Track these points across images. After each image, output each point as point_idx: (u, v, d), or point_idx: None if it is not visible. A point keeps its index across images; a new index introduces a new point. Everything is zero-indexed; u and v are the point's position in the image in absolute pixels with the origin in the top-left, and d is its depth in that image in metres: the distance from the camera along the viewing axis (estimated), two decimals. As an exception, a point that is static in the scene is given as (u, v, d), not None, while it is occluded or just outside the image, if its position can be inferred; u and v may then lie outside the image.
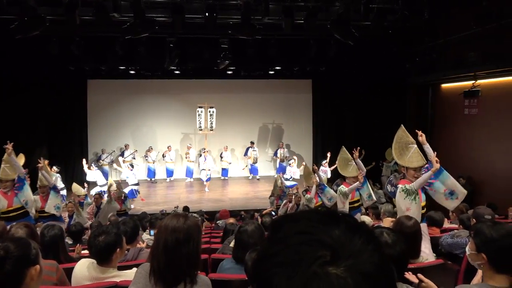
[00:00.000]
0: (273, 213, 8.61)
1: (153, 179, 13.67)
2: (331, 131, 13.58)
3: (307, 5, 8.22)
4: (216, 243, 4.48)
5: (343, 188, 6.39)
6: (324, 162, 11.58)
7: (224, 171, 13.99)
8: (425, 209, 4.66)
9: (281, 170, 13.51)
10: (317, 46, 10.34)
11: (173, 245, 1.70)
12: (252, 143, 13.75)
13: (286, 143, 14.06)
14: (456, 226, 4.82)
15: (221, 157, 13.81)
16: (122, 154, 13.29)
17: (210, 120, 12.85)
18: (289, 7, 8.22)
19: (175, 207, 9.36)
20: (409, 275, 2.08)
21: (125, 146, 13.39)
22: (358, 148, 6.38)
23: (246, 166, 13.83)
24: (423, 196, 4.58)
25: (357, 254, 0.55)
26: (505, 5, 8.00)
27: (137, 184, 11.41)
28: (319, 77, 13.27)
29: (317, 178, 7.28)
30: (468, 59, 9.18)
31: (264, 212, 8.74)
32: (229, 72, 12.58)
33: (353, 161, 6.24)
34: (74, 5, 7.37)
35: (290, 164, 12.47)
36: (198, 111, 12.79)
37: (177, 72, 12.27)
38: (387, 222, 4.70)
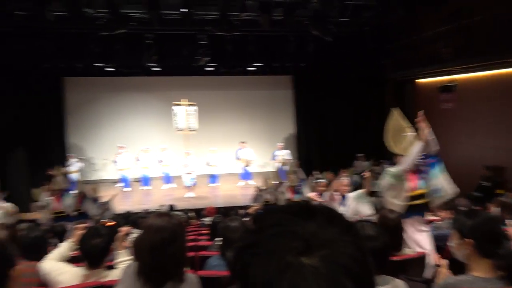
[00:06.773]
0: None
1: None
2: (313, 126, 13.32)
3: (285, 1, 8.23)
4: (203, 241, 4.47)
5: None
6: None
7: (212, 178, 12.28)
8: (421, 199, 4.04)
9: (283, 175, 10.09)
10: (296, 42, 10.39)
11: (158, 244, 1.68)
12: (242, 142, 12.35)
13: (267, 142, 13.14)
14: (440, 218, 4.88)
15: (208, 163, 12.17)
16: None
17: (188, 120, 11.35)
18: (266, 3, 8.21)
19: (160, 206, 9.20)
20: None
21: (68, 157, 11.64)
22: None
23: None
24: (421, 183, 4.07)
25: (330, 245, 0.56)
26: (465, 4, 8.22)
27: None
28: (300, 73, 13.16)
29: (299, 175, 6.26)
30: (441, 55, 9.40)
31: (249, 210, 7.57)
32: (209, 69, 12.45)
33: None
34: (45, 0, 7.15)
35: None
36: (173, 109, 11.35)
37: (156, 69, 12.02)
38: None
